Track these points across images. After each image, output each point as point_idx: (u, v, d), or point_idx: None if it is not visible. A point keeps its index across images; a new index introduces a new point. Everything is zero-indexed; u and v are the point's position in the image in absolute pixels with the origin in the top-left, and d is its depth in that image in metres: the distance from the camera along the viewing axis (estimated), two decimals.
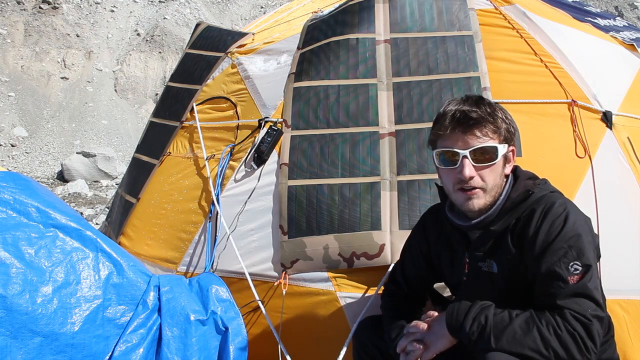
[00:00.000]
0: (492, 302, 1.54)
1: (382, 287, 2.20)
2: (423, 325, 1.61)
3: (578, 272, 1.45)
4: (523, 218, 1.58)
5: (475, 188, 1.57)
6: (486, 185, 1.58)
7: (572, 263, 1.46)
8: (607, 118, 2.48)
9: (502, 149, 1.58)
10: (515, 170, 1.69)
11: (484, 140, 1.56)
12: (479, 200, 1.59)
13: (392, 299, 1.94)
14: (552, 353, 1.39)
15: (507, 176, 1.66)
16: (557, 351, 1.38)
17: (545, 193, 1.61)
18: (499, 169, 1.60)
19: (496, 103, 1.66)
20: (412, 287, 1.94)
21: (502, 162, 1.61)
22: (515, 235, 1.59)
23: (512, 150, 1.65)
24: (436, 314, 1.64)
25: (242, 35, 3.21)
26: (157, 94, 17.03)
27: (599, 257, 1.57)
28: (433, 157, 1.67)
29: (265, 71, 2.92)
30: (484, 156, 1.56)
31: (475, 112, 1.56)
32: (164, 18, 18.93)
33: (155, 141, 3.19)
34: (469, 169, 1.55)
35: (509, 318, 1.45)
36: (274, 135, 2.61)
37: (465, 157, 1.56)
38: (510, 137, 1.62)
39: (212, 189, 2.63)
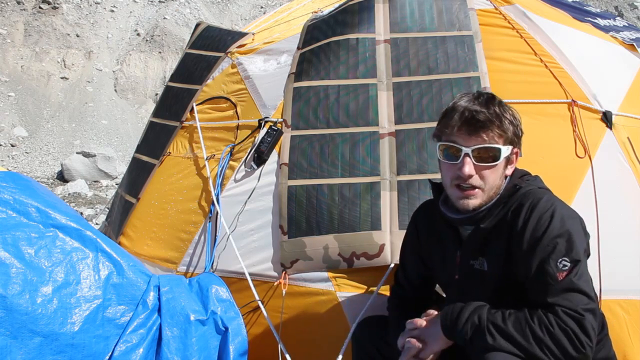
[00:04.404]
0: (485, 300, 1.53)
1: (382, 287, 2.20)
2: (421, 322, 1.61)
3: (567, 267, 1.44)
4: (511, 213, 1.57)
5: (473, 188, 1.57)
6: (484, 185, 1.57)
7: (560, 259, 1.45)
8: (607, 118, 2.48)
9: (506, 150, 1.57)
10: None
11: (489, 142, 1.55)
12: (475, 201, 1.58)
13: (398, 300, 1.93)
14: (546, 351, 1.38)
15: (506, 177, 1.64)
16: (551, 349, 1.38)
17: (533, 188, 1.60)
18: (499, 170, 1.59)
19: (506, 104, 1.63)
20: (415, 287, 1.93)
21: (504, 163, 1.59)
22: (504, 232, 1.58)
23: (516, 152, 1.63)
24: (436, 312, 1.64)
25: (242, 35, 3.21)
26: (157, 94, 17.01)
27: (588, 255, 1.54)
28: (436, 149, 1.64)
29: (265, 71, 2.92)
30: (486, 156, 1.55)
31: (483, 114, 1.53)
32: (164, 18, 18.92)
33: (155, 141, 3.19)
34: (469, 167, 1.54)
35: (502, 318, 1.45)
36: (274, 135, 2.61)
37: (467, 154, 1.55)
38: (516, 139, 1.60)
39: (212, 189, 2.63)
